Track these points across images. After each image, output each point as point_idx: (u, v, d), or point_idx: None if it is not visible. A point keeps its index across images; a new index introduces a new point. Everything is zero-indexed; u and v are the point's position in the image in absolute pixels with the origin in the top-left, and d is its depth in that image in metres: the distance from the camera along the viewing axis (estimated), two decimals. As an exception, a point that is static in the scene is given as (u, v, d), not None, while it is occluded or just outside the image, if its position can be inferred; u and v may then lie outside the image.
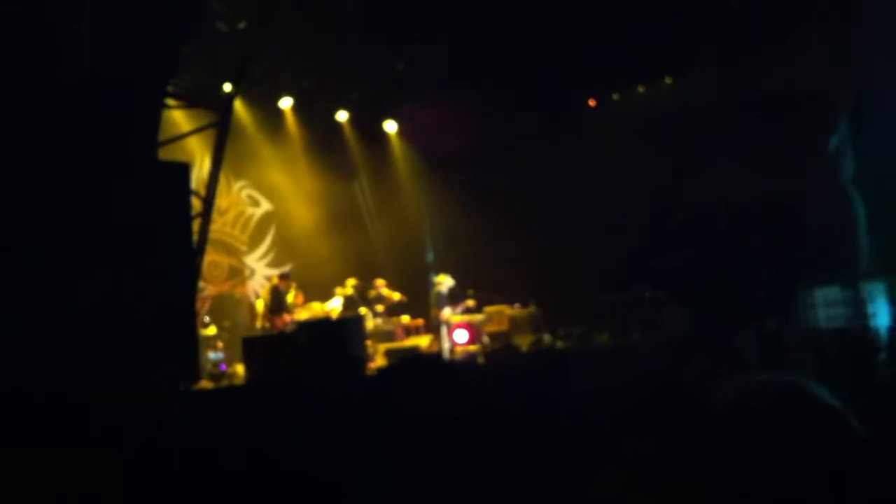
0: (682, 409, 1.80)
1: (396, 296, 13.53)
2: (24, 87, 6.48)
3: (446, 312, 13.06)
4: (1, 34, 6.35)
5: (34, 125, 6.56)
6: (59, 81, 6.70)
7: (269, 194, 14.91)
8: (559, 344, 11.88)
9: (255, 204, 14.83)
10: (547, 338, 12.07)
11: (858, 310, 11.34)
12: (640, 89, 15.39)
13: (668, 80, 15.02)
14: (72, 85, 6.76)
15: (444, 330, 12.94)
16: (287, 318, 12.11)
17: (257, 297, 13.54)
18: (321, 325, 11.08)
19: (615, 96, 15.71)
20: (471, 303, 13.33)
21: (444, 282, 13.45)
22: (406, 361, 2.77)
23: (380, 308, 13.29)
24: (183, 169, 8.73)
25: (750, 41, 12.48)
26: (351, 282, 13.30)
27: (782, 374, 1.66)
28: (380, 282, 13.57)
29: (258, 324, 12.41)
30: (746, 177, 12.43)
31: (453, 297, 13.31)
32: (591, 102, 15.91)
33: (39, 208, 6.53)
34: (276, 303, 12.20)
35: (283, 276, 12.75)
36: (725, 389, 1.69)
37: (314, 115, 14.71)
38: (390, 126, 15.84)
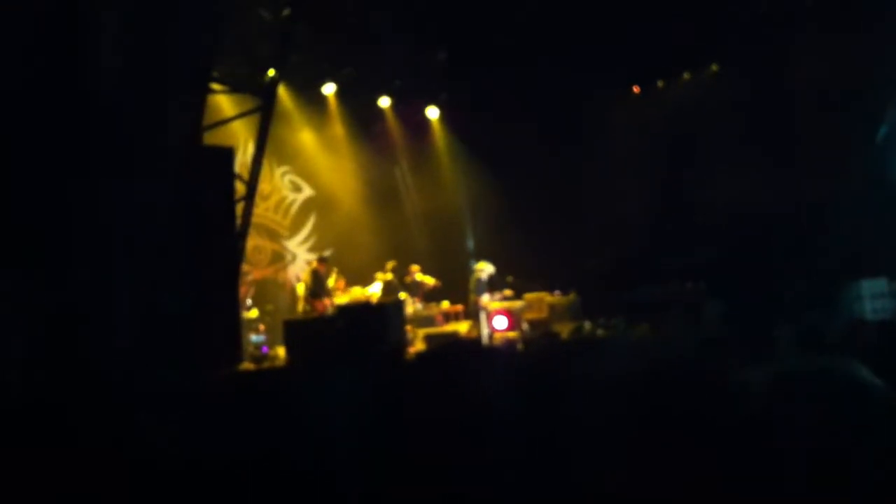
0: (701, 400, 1.77)
1: (430, 281, 13.57)
2: (67, 74, 6.58)
3: (485, 299, 13.06)
4: (39, 23, 6.45)
5: (78, 112, 6.66)
6: (101, 66, 6.79)
7: (311, 180, 15.02)
8: (599, 332, 11.80)
9: (297, 189, 14.95)
10: (587, 325, 11.99)
11: (906, 301, 11.13)
12: (686, 76, 15.19)
13: (714, 68, 14.81)
14: (115, 69, 6.85)
15: (482, 316, 12.94)
16: (327, 301, 12.21)
17: (298, 281, 13.66)
18: (361, 309, 11.16)
19: (660, 83, 15.52)
20: (508, 292, 13.32)
21: (485, 269, 13.44)
22: (446, 347, 2.78)
23: (418, 295, 13.35)
24: (227, 153, 8.82)
25: (794, 34, 12.26)
26: (391, 265, 13.37)
27: (824, 357, 1.62)
28: (414, 267, 13.63)
29: (299, 307, 12.53)
30: (790, 171, 12.27)
31: (493, 285, 13.30)
32: (636, 89, 15.73)
33: (84, 192, 6.65)
34: (317, 286, 12.29)
35: (322, 260, 12.84)
36: (764, 372, 1.66)
37: (357, 101, 14.77)
38: (432, 112, 15.83)
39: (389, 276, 13.24)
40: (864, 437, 1.46)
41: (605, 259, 13.71)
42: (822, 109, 11.93)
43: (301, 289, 12.73)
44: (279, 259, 14.54)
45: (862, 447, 1.46)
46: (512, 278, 13.61)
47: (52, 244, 6.34)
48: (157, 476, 2.05)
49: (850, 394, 1.53)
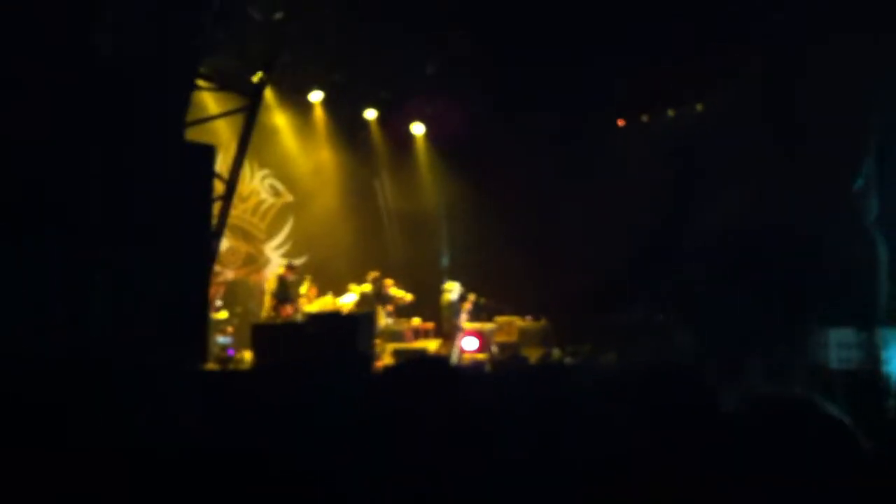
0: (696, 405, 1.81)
1: (403, 295, 13.53)
2: (54, 66, 6.52)
3: (463, 319, 13.07)
4: (28, 18, 6.39)
5: (62, 99, 6.60)
6: (87, 56, 6.74)
7: (291, 185, 14.96)
8: (567, 360, 11.82)
9: (276, 194, 14.88)
10: (556, 352, 12.03)
11: (872, 354, 11.19)
12: (670, 113, 15.34)
13: (698, 107, 14.97)
14: (101, 59, 6.80)
15: (458, 336, 12.92)
16: (290, 308, 12.13)
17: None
18: (332, 318, 11.09)
19: (644, 118, 15.66)
20: (472, 297, 13.33)
21: (454, 289, 13.44)
22: (414, 363, 2.76)
23: (389, 308, 13.29)
24: (209, 151, 8.77)
25: (780, 71, 12.41)
26: (372, 275, 13.32)
27: (793, 389, 1.68)
28: (388, 281, 13.58)
29: (263, 312, 12.44)
30: (766, 208, 12.37)
31: (462, 301, 13.33)
32: (620, 122, 15.87)
33: (61, 184, 6.57)
34: (282, 292, 12.23)
35: (289, 267, 12.81)
36: (738, 397, 1.70)
37: (343, 110, 14.76)
38: (417, 129, 15.85)
39: (368, 286, 13.17)
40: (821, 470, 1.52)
41: (578, 284, 13.75)
42: (791, 154, 12.04)
43: (268, 294, 12.65)
44: (253, 262, 14.44)
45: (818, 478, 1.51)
46: (484, 300, 13.60)
47: (23, 228, 6.26)
48: (122, 466, 2.02)
49: (816, 421, 1.59)
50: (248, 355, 10.68)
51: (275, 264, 14.50)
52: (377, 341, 11.88)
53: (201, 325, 8.38)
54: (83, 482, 2.01)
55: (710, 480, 1.60)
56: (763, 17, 11.98)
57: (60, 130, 6.54)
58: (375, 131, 15.49)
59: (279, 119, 14.15)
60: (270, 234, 14.78)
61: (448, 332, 13.25)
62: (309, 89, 14.07)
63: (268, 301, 12.34)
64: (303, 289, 12.68)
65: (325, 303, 12.87)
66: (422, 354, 11.60)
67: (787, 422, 1.60)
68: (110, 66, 6.83)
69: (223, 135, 11.78)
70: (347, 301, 12.92)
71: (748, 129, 12.98)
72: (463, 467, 2.03)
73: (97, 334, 6.37)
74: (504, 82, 13.08)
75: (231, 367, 10.70)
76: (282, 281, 12.37)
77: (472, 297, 13.37)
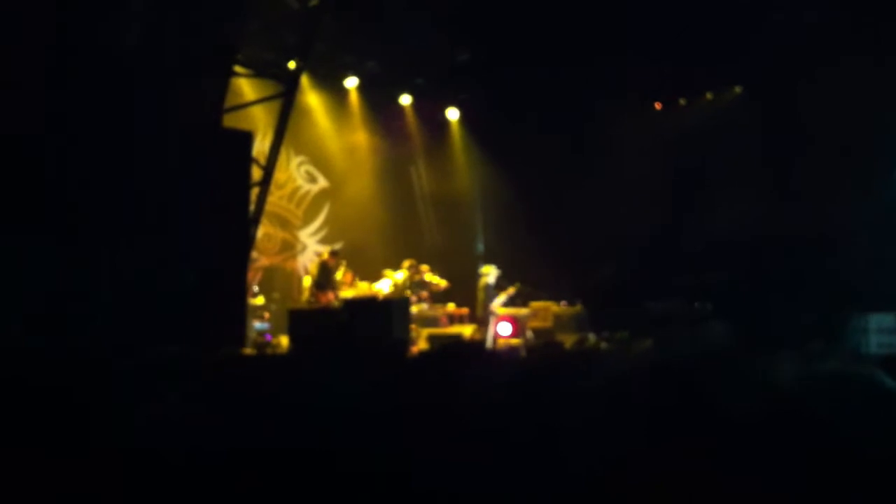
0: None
1: (439, 281, 13.55)
2: (94, 53, 6.60)
3: (496, 304, 13.05)
4: (53, 12, 6.47)
5: (100, 84, 6.68)
6: (126, 42, 6.82)
7: (327, 172, 15.03)
8: (603, 345, 11.76)
9: (312, 180, 14.96)
10: (591, 338, 11.96)
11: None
12: (709, 96, 15.15)
13: (737, 90, 14.77)
14: (140, 45, 6.87)
15: (491, 321, 12.92)
16: (331, 295, 12.21)
17: (306, 272, 13.67)
18: (367, 303, 11.15)
19: (682, 101, 15.48)
20: (512, 289, 13.30)
21: (491, 272, 13.43)
22: (449, 348, 2.77)
23: (423, 294, 13.33)
24: (246, 137, 8.84)
25: (816, 61, 12.21)
26: (407, 262, 13.36)
27: (848, 363, 1.64)
28: (424, 267, 13.61)
29: (303, 298, 12.54)
30: (802, 200, 12.25)
31: (499, 288, 13.30)
32: (657, 106, 15.69)
33: (101, 171, 6.66)
34: (324, 279, 12.31)
35: (333, 254, 12.87)
36: (784, 375, 1.66)
37: (378, 96, 14.78)
38: (452, 114, 15.83)
39: (405, 273, 13.22)
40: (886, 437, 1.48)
41: (614, 272, 13.69)
42: (839, 137, 11.88)
43: (307, 280, 12.74)
44: (289, 248, 14.55)
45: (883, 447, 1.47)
46: (519, 285, 13.57)
47: (60, 217, 6.36)
48: (154, 458, 2.05)
49: (875, 397, 1.55)
50: (284, 340, 10.79)
51: (311, 251, 14.60)
52: (412, 327, 11.93)
53: (240, 310, 8.48)
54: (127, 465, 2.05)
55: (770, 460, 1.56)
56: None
57: (97, 120, 6.63)
58: (411, 117, 15.49)
59: (315, 106, 14.21)
60: (307, 220, 14.87)
61: (482, 318, 13.25)
62: (344, 76, 14.11)
63: (308, 287, 12.45)
64: (339, 275, 12.76)
65: (361, 289, 12.95)
66: (457, 340, 11.63)
67: (842, 404, 1.55)
68: (144, 57, 6.91)
69: (260, 121, 11.87)
70: (382, 287, 12.98)
71: (778, 113, 12.84)
72: (490, 453, 2.04)
73: (138, 321, 6.47)
74: (538, 65, 12.99)
75: (269, 351, 10.83)
76: (324, 267, 12.44)
77: (511, 289, 13.32)
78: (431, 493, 2.02)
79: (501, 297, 13.18)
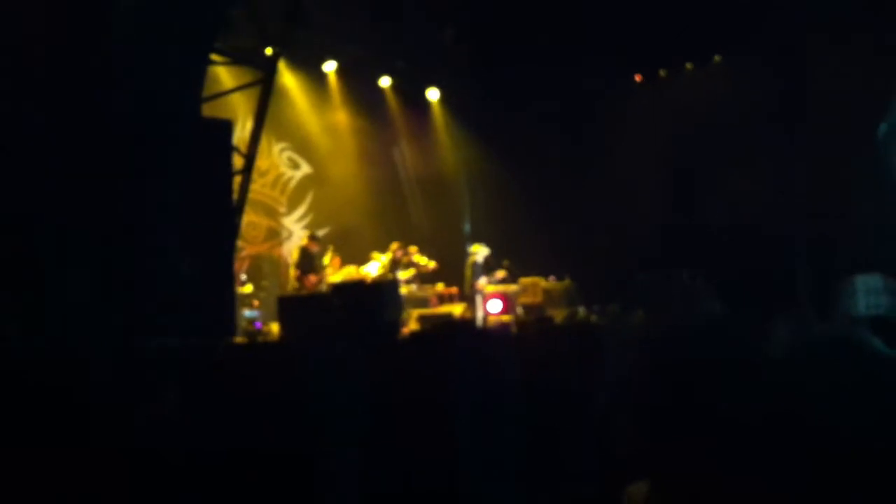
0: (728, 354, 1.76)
1: (426, 262, 13.56)
2: (70, 40, 6.52)
3: (482, 282, 13.07)
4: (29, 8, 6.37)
5: (77, 76, 6.60)
6: (105, 32, 6.73)
7: (310, 157, 14.95)
8: (593, 318, 11.81)
9: (295, 166, 14.89)
10: (581, 311, 12.01)
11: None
12: (689, 67, 15.14)
13: (716, 59, 14.77)
14: (115, 35, 6.79)
15: (479, 299, 12.94)
16: (314, 278, 12.21)
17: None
18: (356, 287, 11.12)
19: (662, 73, 15.47)
20: (501, 274, 13.32)
21: (480, 251, 13.45)
22: (440, 327, 2.77)
23: (410, 273, 13.35)
24: (226, 126, 8.76)
25: (804, 28, 12.23)
26: (394, 245, 13.36)
27: (837, 326, 1.64)
28: (412, 248, 13.61)
29: (289, 284, 12.54)
30: (789, 166, 12.32)
31: (488, 267, 13.31)
32: (638, 77, 15.68)
33: (80, 162, 6.60)
34: (306, 263, 12.31)
35: (312, 237, 12.85)
36: (777, 339, 1.66)
37: (358, 79, 14.70)
38: (433, 94, 15.76)
39: (391, 255, 13.22)
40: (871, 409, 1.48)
41: (603, 245, 13.72)
42: (831, 105, 11.91)
43: (291, 266, 12.75)
44: (274, 236, 14.50)
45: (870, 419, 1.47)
46: (508, 262, 13.60)
47: (43, 213, 6.31)
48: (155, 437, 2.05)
49: (865, 359, 1.55)
50: (275, 328, 10.78)
51: (297, 237, 14.55)
52: (403, 308, 11.94)
53: (230, 299, 8.44)
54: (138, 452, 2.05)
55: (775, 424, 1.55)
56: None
57: (74, 114, 6.56)
58: (392, 99, 15.42)
59: (295, 91, 14.12)
60: (291, 207, 14.81)
61: (469, 295, 13.28)
62: (323, 60, 14.02)
63: (292, 273, 12.44)
64: (325, 260, 12.74)
65: (349, 272, 12.93)
66: (447, 319, 11.66)
67: (833, 366, 1.55)
68: (118, 47, 6.82)
69: (239, 109, 11.78)
70: (370, 270, 12.97)
71: (772, 82, 12.86)
72: (485, 432, 2.05)
73: (125, 315, 6.43)
74: (518, 42, 12.95)
75: (260, 339, 10.82)
76: (304, 252, 12.44)
77: (501, 273, 13.33)
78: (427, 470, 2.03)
79: (490, 277, 13.20)
